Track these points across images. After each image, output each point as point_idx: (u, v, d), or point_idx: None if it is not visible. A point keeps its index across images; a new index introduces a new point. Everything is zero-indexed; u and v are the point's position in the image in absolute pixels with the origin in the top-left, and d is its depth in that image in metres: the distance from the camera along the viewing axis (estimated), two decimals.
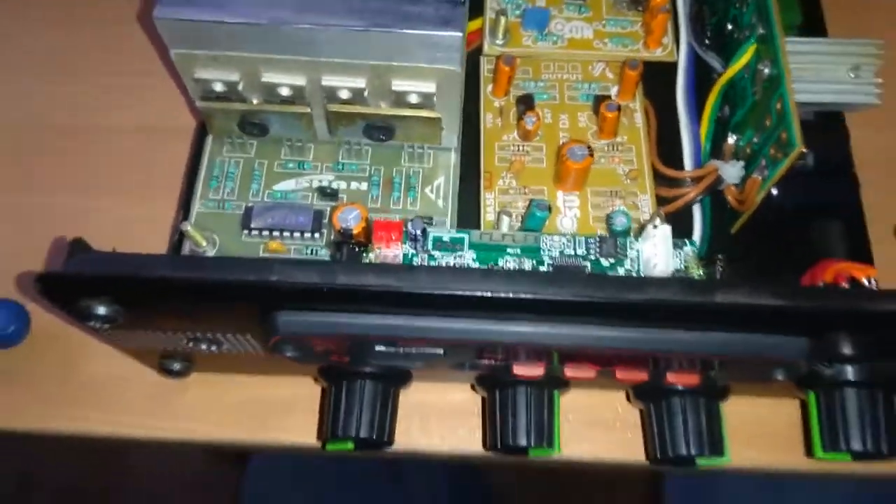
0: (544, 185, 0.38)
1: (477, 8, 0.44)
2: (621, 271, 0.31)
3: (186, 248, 0.37)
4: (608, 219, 0.35)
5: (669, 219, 0.35)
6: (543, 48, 0.42)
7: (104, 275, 0.26)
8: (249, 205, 0.38)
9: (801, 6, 0.40)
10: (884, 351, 0.27)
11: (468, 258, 0.32)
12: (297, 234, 0.37)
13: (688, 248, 0.32)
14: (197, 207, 0.38)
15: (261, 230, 0.37)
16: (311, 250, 0.37)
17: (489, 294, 0.25)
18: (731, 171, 0.36)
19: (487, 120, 0.41)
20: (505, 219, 0.36)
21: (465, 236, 0.32)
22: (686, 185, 0.38)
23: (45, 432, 0.37)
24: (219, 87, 0.36)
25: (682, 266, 0.31)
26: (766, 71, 0.35)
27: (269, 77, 0.35)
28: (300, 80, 0.35)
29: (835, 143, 0.38)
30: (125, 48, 0.47)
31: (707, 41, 0.41)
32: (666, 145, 0.40)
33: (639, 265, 0.31)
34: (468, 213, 0.38)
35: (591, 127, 0.40)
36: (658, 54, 0.42)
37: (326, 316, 0.27)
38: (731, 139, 0.39)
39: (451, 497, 0.57)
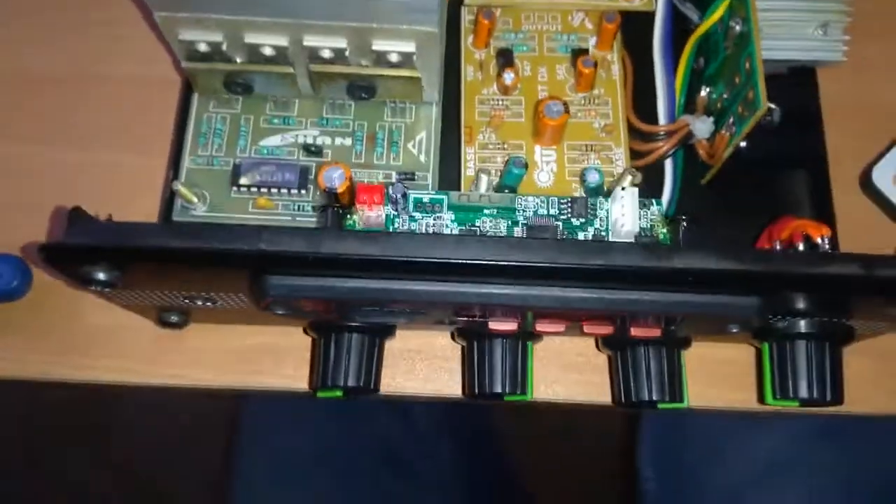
0: (523, 139, 0.40)
1: None
2: (591, 230, 0.33)
3: (178, 206, 0.38)
4: (582, 174, 0.37)
5: (642, 171, 0.36)
6: None
7: (103, 245, 0.27)
8: (238, 161, 0.39)
9: None
10: (830, 308, 0.29)
11: (447, 219, 0.33)
12: (284, 191, 0.38)
13: (654, 208, 0.33)
14: (187, 164, 0.40)
15: (249, 187, 0.38)
16: (298, 206, 0.39)
17: (463, 261, 0.26)
18: (702, 127, 0.38)
19: (468, 73, 0.41)
20: (483, 177, 0.37)
21: (444, 198, 0.34)
22: (659, 138, 0.39)
23: (49, 379, 0.39)
24: (203, 48, 0.36)
25: (649, 226, 0.33)
26: (738, 28, 0.36)
27: (251, 38, 0.36)
28: (282, 41, 0.36)
29: (804, 97, 0.39)
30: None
31: None
32: (641, 97, 0.41)
33: (608, 224, 0.33)
34: (450, 169, 0.39)
35: (568, 80, 0.41)
36: (636, 4, 0.43)
37: (313, 280, 0.29)
38: (704, 92, 0.40)
39: (451, 428, 0.61)
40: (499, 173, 0.38)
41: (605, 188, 0.37)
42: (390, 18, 0.34)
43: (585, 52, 0.41)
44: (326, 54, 0.36)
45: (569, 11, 0.43)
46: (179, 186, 0.37)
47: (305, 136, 0.40)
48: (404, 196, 0.33)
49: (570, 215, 0.33)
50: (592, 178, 0.36)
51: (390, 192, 0.32)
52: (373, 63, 0.37)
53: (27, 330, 0.39)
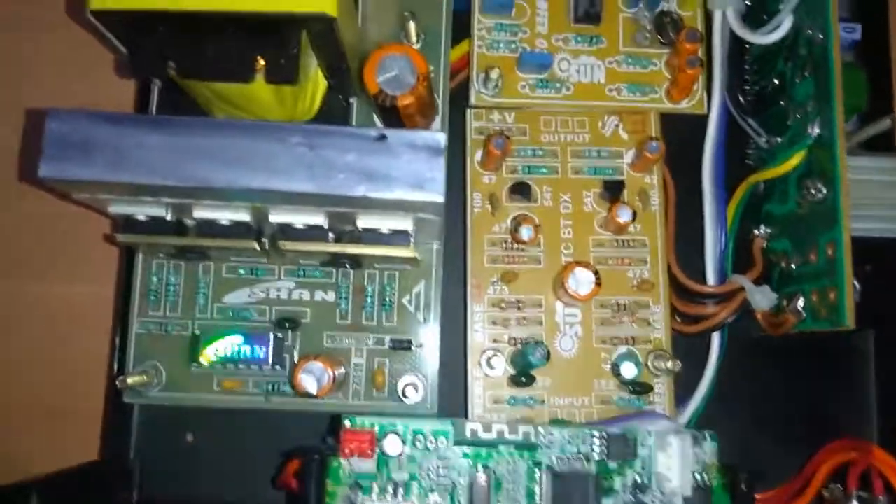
0: (542, 293, 0.33)
1: (463, 28, 0.35)
2: (629, 474, 0.27)
3: (128, 396, 0.32)
4: (614, 367, 0.31)
5: (684, 343, 0.30)
6: (544, 97, 0.34)
7: None
8: (196, 331, 0.32)
9: (869, 87, 0.32)
10: None
11: (455, 457, 0.27)
12: (255, 366, 0.32)
13: (707, 445, 0.27)
14: (135, 328, 0.33)
15: (212, 363, 0.32)
16: (273, 386, 0.32)
17: None
18: (760, 300, 0.31)
19: (475, 201, 0.34)
20: (497, 361, 0.31)
21: (450, 430, 0.28)
22: (708, 300, 0.32)
23: None
24: (142, 219, 0.29)
25: (700, 475, 0.27)
26: (818, 195, 0.29)
27: (202, 213, 0.28)
28: (243, 216, 0.28)
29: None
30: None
31: (744, 100, 0.33)
32: (684, 228, 0.34)
33: (650, 467, 0.27)
34: (454, 337, 0.33)
35: (597, 212, 0.34)
36: (683, 106, 0.34)
37: None
38: (762, 232, 0.33)
39: None
40: (513, 343, 0.32)
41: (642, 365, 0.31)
42: (381, 211, 0.27)
43: (620, 186, 0.33)
44: (299, 229, 0.29)
45: (598, 116, 0.34)
46: (128, 381, 0.31)
47: (278, 289, 0.33)
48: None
49: (605, 455, 0.27)
50: (629, 372, 0.30)
51: (385, 447, 0.26)
52: (358, 240, 0.29)
53: None
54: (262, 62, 0.26)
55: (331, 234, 0.29)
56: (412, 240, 0.28)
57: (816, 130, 0.29)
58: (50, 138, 0.25)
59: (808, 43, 0.30)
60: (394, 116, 0.29)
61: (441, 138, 0.25)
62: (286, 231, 0.29)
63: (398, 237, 0.28)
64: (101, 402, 0.35)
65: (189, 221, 0.29)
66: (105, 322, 0.36)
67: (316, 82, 0.31)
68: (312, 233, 0.29)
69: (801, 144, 0.30)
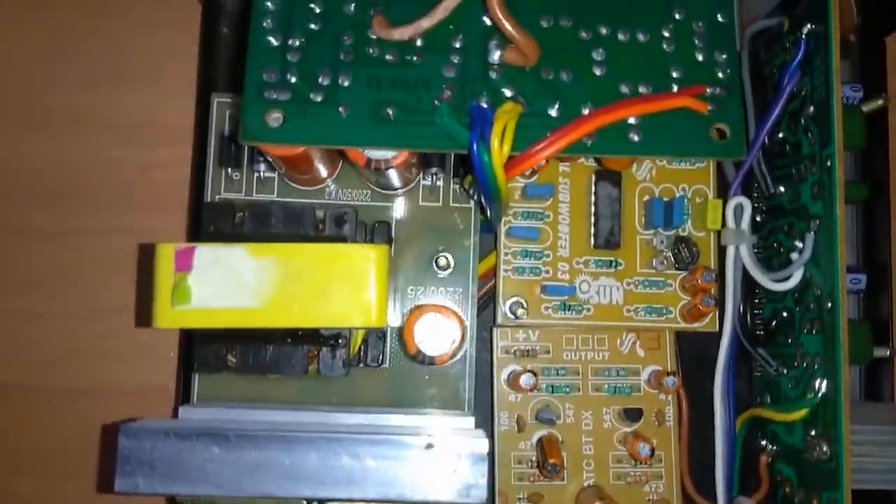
0: None
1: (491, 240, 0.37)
2: None
3: None
4: None
5: None
6: (566, 318, 0.36)
7: None
8: None
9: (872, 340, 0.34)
10: None
11: None
12: None
13: None
14: None
15: None
16: None
17: None
18: None
19: (502, 420, 0.36)
20: None
21: None
22: None
23: None
24: None
25: None
26: (821, 455, 0.31)
27: None
28: None
29: None
30: None
31: (754, 327, 0.36)
32: (698, 446, 0.36)
33: None
34: None
35: (616, 429, 0.36)
36: (696, 326, 0.37)
37: None
38: (767, 448, 0.36)
39: None
40: None
41: None
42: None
43: (639, 413, 0.36)
44: None
45: (618, 333, 0.37)
46: None
47: None
48: None
49: None
50: None
51: None
52: None
53: None
54: (316, 355, 0.28)
55: None
56: None
57: (822, 389, 0.32)
58: (122, 455, 0.27)
59: (817, 301, 0.32)
60: None
61: (484, 446, 0.28)
62: None
63: None
64: None
65: None
66: None
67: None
68: None
69: (807, 402, 0.32)
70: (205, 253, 0.26)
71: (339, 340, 0.28)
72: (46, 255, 0.40)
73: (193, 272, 0.26)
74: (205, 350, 0.28)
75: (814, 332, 0.32)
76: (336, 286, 0.27)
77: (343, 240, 0.28)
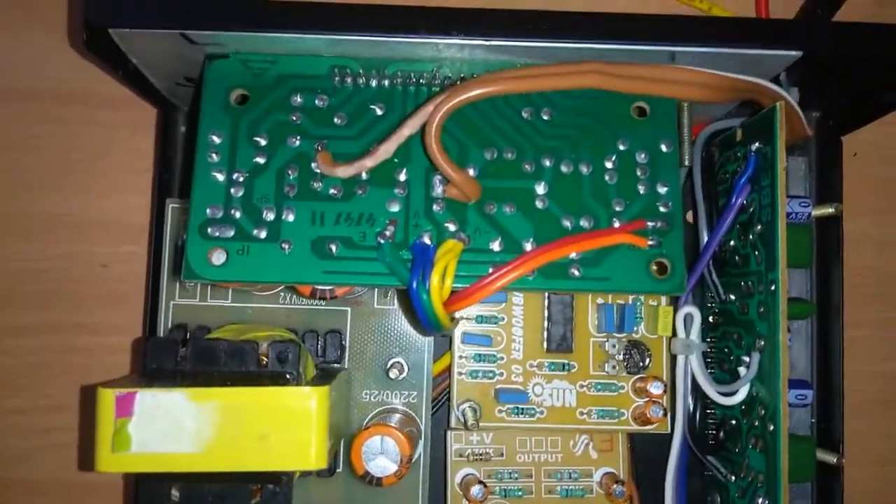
0: None
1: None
2: None
3: None
4: None
5: None
6: (520, 421, 0.37)
7: None
8: None
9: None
10: None
11: None
12: None
13: None
14: None
15: None
16: None
17: None
18: None
19: None
20: None
21: None
22: None
23: None
24: None
25: None
26: None
27: None
28: None
29: None
30: None
31: (710, 440, 0.36)
32: None
33: None
34: None
35: None
36: (647, 429, 0.37)
37: None
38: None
39: None
40: None
41: None
42: None
43: None
44: None
45: (571, 435, 0.37)
46: None
47: None
48: None
49: None
50: None
51: None
52: None
53: None
54: (259, 490, 0.29)
55: None
56: None
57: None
58: None
59: (762, 420, 0.32)
60: None
61: None
62: None
63: None
64: None
65: None
66: None
67: None
68: None
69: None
70: (145, 399, 0.27)
71: (283, 478, 0.28)
72: None
73: (134, 418, 0.27)
74: (148, 488, 0.28)
75: (758, 449, 0.33)
76: (276, 430, 0.27)
77: (285, 375, 0.28)
